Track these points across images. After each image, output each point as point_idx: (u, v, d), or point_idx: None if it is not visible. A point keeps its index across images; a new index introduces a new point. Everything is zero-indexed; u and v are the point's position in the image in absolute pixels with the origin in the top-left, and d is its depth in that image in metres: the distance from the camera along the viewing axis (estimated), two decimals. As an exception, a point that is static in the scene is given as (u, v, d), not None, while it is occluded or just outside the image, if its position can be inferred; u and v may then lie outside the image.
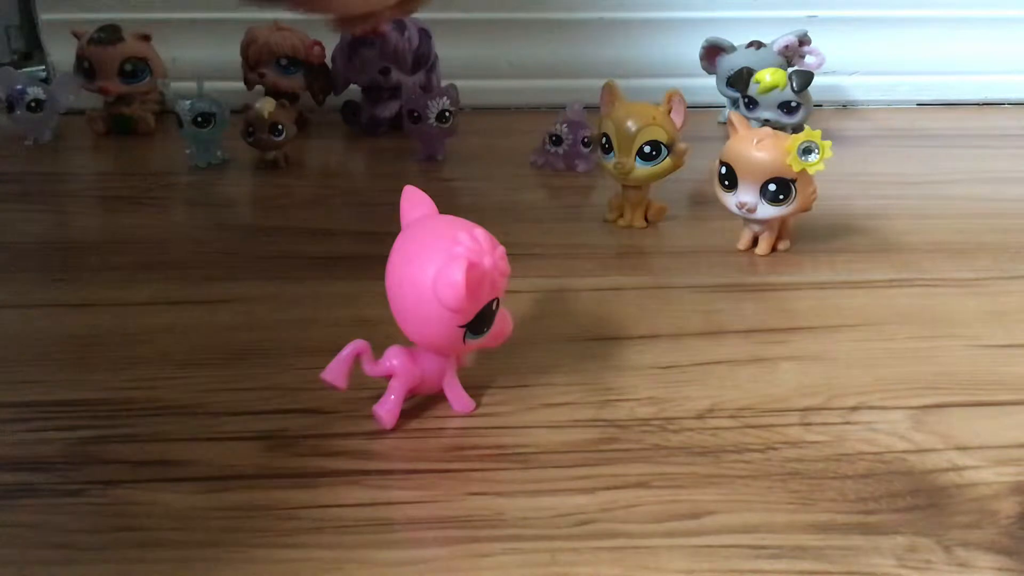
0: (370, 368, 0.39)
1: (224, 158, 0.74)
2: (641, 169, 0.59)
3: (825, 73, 0.89)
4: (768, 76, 0.76)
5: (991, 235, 0.61)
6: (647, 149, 0.58)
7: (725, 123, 0.58)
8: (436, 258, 0.36)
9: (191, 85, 0.73)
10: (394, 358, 0.39)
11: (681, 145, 0.59)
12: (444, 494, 0.35)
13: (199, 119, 0.72)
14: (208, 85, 0.73)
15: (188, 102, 0.71)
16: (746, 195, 0.55)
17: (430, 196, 0.39)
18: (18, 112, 0.78)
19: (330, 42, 0.82)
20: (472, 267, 0.35)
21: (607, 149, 0.59)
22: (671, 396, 0.42)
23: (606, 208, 0.63)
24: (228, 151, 0.74)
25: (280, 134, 0.71)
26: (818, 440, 0.39)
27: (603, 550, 0.32)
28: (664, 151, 0.58)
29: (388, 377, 0.39)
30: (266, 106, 0.70)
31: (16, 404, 0.41)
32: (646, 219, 0.62)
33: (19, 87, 0.77)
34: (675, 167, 0.59)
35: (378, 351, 0.39)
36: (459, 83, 0.75)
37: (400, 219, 0.39)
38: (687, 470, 0.37)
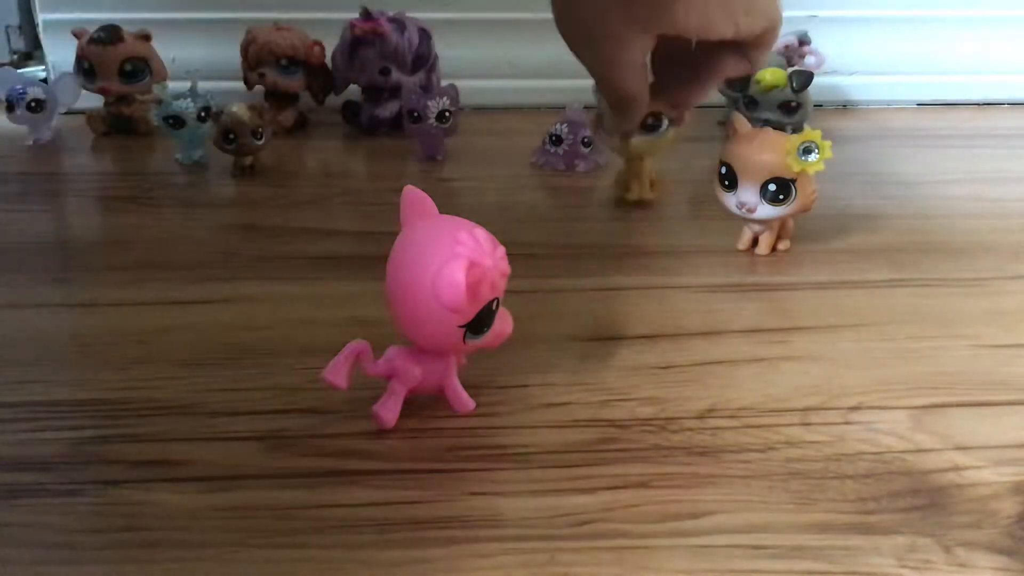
0: (370, 368, 0.39)
1: (206, 159, 0.74)
2: (642, 140, 0.60)
3: (825, 73, 0.89)
4: (768, 76, 0.76)
5: (991, 235, 0.61)
6: (649, 120, 0.60)
7: (725, 123, 0.57)
8: (436, 258, 0.36)
9: (185, 84, 0.73)
10: (394, 358, 0.39)
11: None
12: (444, 494, 0.35)
13: (203, 114, 0.71)
14: (209, 85, 0.74)
15: (186, 100, 0.71)
16: (746, 195, 0.55)
17: (430, 196, 0.39)
18: (18, 112, 0.78)
19: (330, 42, 0.82)
20: (472, 267, 0.35)
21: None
22: (671, 396, 0.42)
23: (614, 187, 0.65)
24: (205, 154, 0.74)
25: (260, 138, 0.70)
26: (818, 440, 0.39)
27: (603, 550, 0.32)
28: (665, 121, 0.60)
29: (388, 377, 0.39)
30: (245, 111, 0.69)
31: (16, 404, 0.41)
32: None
33: (19, 87, 0.77)
34: (678, 137, 0.61)
35: (378, 351, 0.39)
36: (459, 83, 0.75)
37: (400, 219, 0.39)
38: (687, 470, 0.37)
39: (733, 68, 0.55)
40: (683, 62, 0.56)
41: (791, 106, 0.77)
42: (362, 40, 0.80)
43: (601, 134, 0.62)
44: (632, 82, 0.55)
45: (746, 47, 0.54)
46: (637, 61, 0.53)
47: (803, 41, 0.85)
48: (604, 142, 0.62)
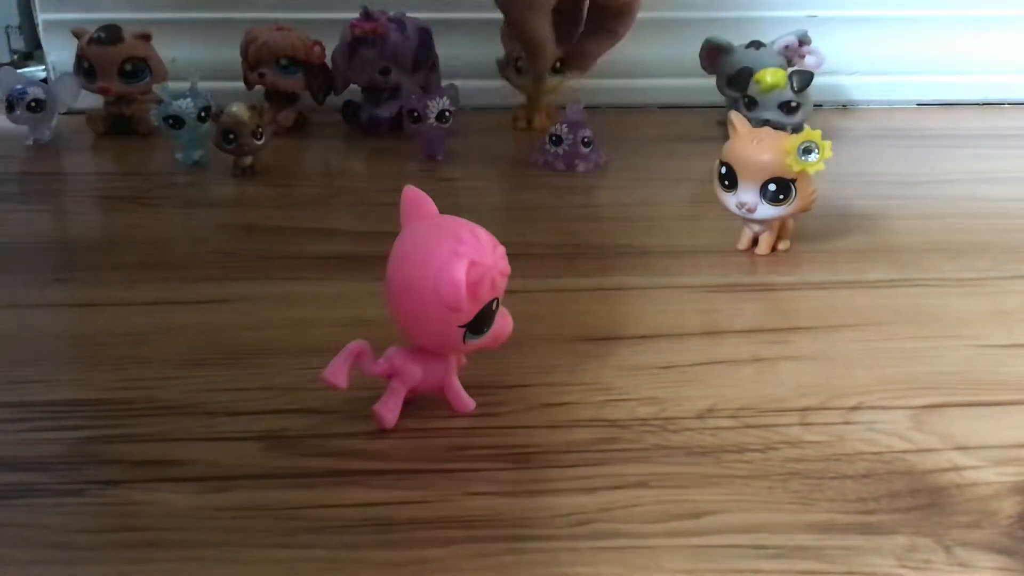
0: (370, 368, 0.39)
1: (206, 159, 0.74)
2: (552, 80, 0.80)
3: (825, 73, 0.89)
4: (768, 76, 0.76)
5: (991, 235, 0.61)
6: (557, 64, 0.79)
7: (725, 123, 0.58)
8: (437, 257, 0.36)
9: (184, 85, 0.73)
10: (394, 358, 0.39)
11: None
12: (444, 494, 0.35)
13: (203, 114, 0.71)
14: (211, 85, 0.73)
15: (186, 100, 0.71)
16: (746, 195, 0.55)
17: (430, 196, 0.39)
18: (18, 112, 0.78)
19: (330, 42, 0.82)
20: (473, 266, 0.35)
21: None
22: (671, 396, 0.42)
23: (514, 120, 0.83)
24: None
25: (260, 138, 0.70)
26: (818, 440, 0.39)
27: (603, 550, 0.32)
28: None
29: (388, 377, 0.39)
30: (245, 111, 0.69)
31: (16, 404, 0.41)
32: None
33: (19, 87, 0.77)
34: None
35: (378, 351, 0.39)
36: (459, 83, 0.75)
37: (400, 219, 0.39)
38: (687, 470, 0.37)
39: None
40: (575, 23, 0.73)
41: (791, 106, 0.77)
42: (362, 40, 0.80)
43: (509, 76, 0.81)
44: (542, 28, 0.70)
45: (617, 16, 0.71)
46: (546, 9, 0.69)
47: (803, 41, 0.85)
48: (512, 82, 0.82)
